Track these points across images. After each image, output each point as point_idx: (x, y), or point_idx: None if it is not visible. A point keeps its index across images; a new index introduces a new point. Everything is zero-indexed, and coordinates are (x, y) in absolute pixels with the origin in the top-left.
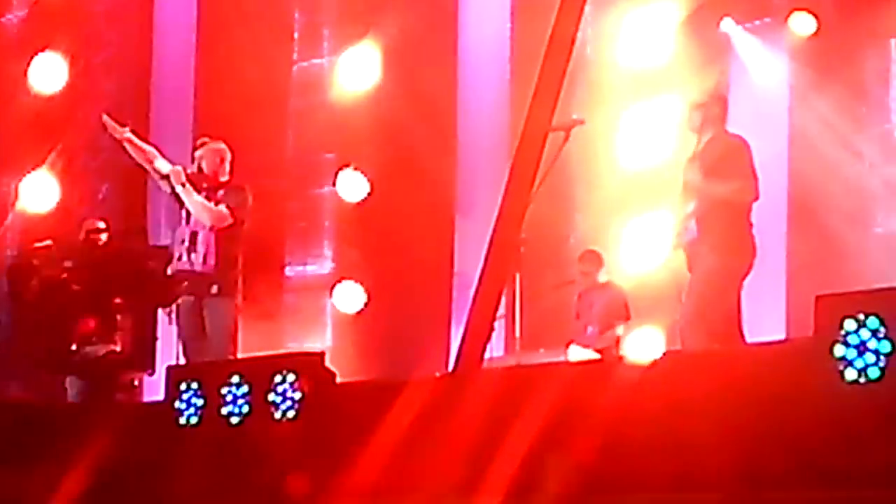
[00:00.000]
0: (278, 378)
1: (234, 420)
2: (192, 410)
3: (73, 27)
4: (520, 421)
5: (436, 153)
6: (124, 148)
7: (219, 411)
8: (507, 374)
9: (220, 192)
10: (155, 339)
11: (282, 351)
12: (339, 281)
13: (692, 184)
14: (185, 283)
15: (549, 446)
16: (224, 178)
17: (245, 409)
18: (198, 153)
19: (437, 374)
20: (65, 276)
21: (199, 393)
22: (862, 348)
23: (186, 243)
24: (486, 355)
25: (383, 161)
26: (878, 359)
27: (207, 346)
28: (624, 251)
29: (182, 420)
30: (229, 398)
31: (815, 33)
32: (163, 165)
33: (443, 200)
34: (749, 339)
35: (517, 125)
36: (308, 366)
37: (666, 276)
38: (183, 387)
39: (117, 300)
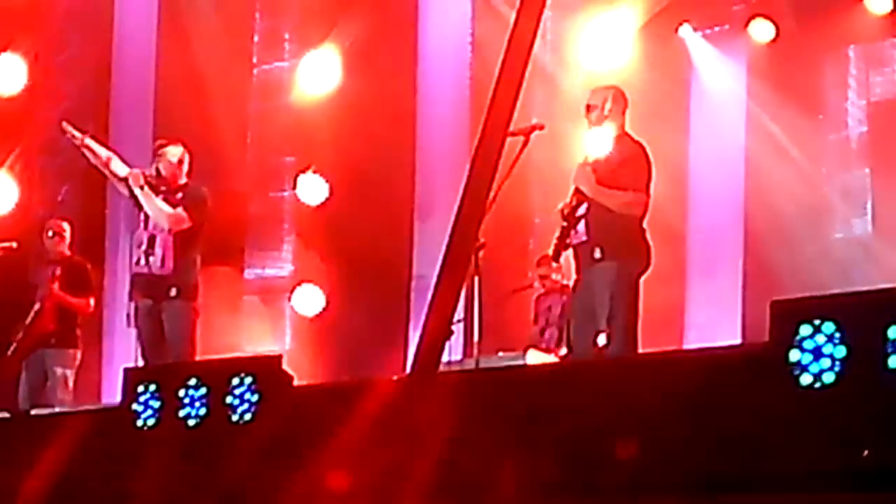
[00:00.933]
0: (236, 381)
1: (192, 422)
2: (149, 413)
3: (34, 28)
4: (477, 424)
5: (395, 157)
6: (83, 154)
7: (176, 414)
8: (465, 378)
9: (179, 195)
10: None
11: (240, 354)
12: (299, 284)
13: (586, 191)
14: (143, 286)
15: (506, 450)
16: (183, 181)
17: (202, 411)
18: (157, 155)
19: (395, 378)
20: None
21: (156, 395)
22: (817, 353)
23: (144, 246)
24: (445, 358)
25: (343, 164)
26: (833, 363)
27: (166, 349)
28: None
29: (139, 423)
30: (187, 401)
31: (774, 40)
32: (120, 169)
33: (402, 204)
34: (705, 344)
35: (477, 129)
36: (266, 368)
37: None
38: (140, 389)
39: None
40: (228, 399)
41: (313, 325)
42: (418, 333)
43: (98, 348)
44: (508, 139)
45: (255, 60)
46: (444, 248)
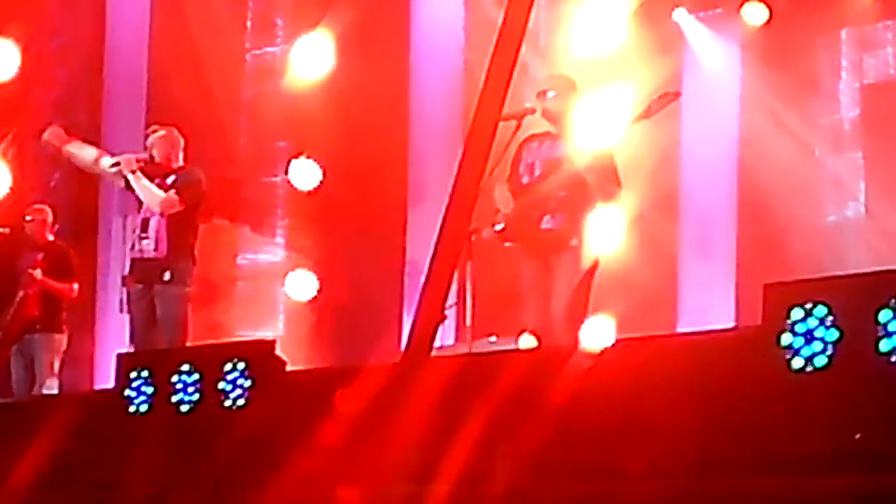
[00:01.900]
0: (229, 366)
1: (185, 408)
2: (142, 398)
3: (26, 14)
4: (471, 409)
5: (388, 142)
6: (69, 161)
7: (169, 399)
8: (458, 362)
9: (171, 179)
10: None
11: (233, 339)
12: (292, 269)
13: (593, 182)
14: (137, 270)
15: (500, 434)
16: (176, 165)
17: (195, 397)
18: (149, 140)
19: (388, 363)
20: None
21: (149, 381)
22: (809, 337)
23: (138, 231)
24: (437, 343)
25: (336, 149)
26: (825, 347)
27: (158, 334)
28: (586, 238)
29: (132, 408)
30: (180, 386)
31: (767, 23)
32: (107, 160)
33: (395, 189)
34: (699, 327)
35: (469, 114)
36: (259, 354)
37: (618, 265)
38: (133, 375)
39: None
40: (221, 385)
41: (306, 310)
42: (411, 318)
43: (91, 334)
44: (500, 123)
45: (247, 45)
46: (436, 232)
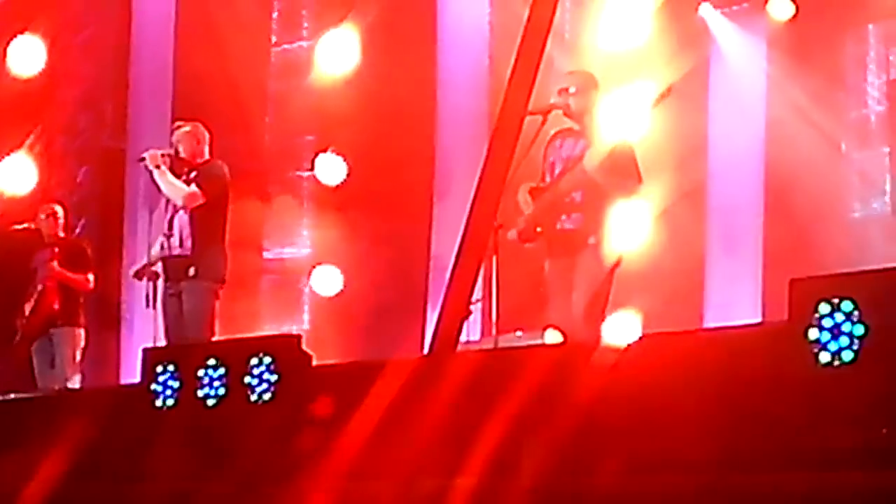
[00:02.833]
0: (255, 361)
1: (211, 402)
2: (168, 393)
3: (52, 9)
4: (496, 403)
5: (414, 137)
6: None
7: (195, 394)
8: (484, 357)
9: (194, 173)
10: None
11: (259, 333)
12: (317, 264)
13: (602, 182)
14: (165, 267)
15: (525, 429)
16: (201, 160)
17: (221, 391)
18: (175, 136)
19: (414, 357)
20: None
21: (175, 375)
22: (836, 331)
23: (165, 228)
24: (463, 338)
25: (362, 144)
26: (851, 342)
27: (184, 330)
28: (605, 236)
29: (158, 402)
30: (206, 381)
31: (793, 18)
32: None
33: (421, 184)
34: (725, 322)
35: (495, 109)
36: (285, 348)
37: (644, 260)
38: (159, 369)
39: None
40: (247, 379)
41: (332, 305)
42: (437, 313)
43: (116, 329)
44: (526, 118)
45: (273, 40)
46: (462, 227)
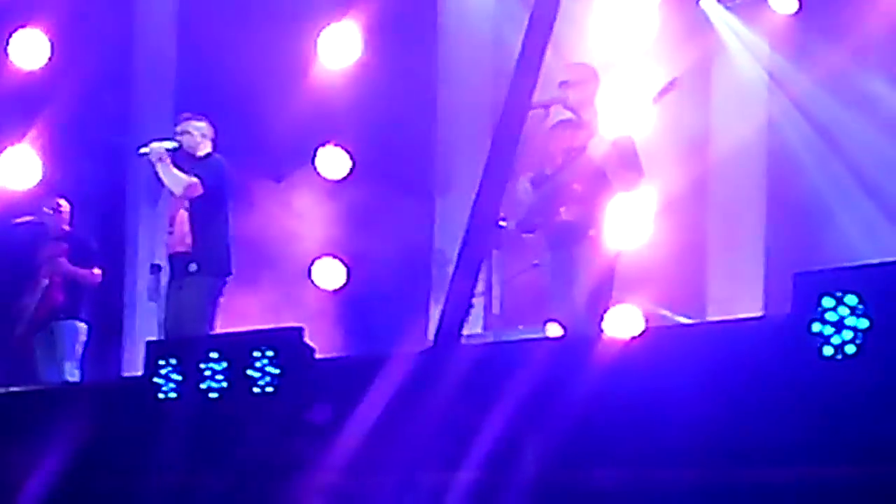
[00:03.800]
0: (257, 354)
1: (213, 395)
2: (171, 386)
3: (55, 3)
4: (498, 396)
5: (416, 131)
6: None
7: (197, 387)
8: (486, 350)
9: (196, 167)
10: None
11: (261, 326)
12: (320, 257)
13: (612, 171)
14: (169, 262)
15: (526, 422)
16: (204, 154)
17: (224, 384)
18: (179, 128)
19: (416, 351)
20: None
21: (177, 369)
22: (839, 325)
23: (168, 225)
24: (465, 332)
25: (364, 139)
26: (855, 335)
27: (181, 325)
28: (606, 228)
29: (161, 395)
30: (208, 374)
31: (797, 12)
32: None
33: (423, 178)
34: (728, 316)
35: (498, 103)
36: (287, 341)
37: (647, 254)
38: (161, 362)
39: None
40: (250, 372)
41: (335, 299)
42: (440, 307)
43: (119, 322)
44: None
45: (277, 33)
46: (465, 222)
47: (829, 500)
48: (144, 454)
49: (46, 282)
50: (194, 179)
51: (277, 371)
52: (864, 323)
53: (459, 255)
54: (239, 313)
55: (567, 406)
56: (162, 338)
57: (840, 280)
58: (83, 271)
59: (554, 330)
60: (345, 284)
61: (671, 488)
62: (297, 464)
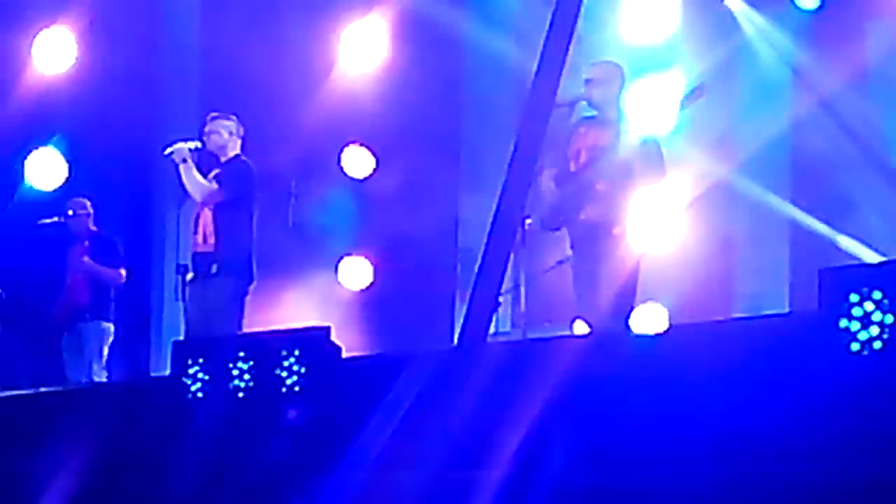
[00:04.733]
0: (284, 353)
1: (241, 395)
2: (198, 386)
3: (81, 3)
4: (525, 394)
5: (441, 129)
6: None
7: (225, 387)
8: (512, 348)
9: (219, 169)
10: None
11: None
12: (346, 256)
13: (636, 170)
14: (193, 263)
15: (553, 419)
16: (232, 154)
17: (251, 384)
18: (207, 128)
19: (443, 349)
20: None
21: (205, 368)
22: (866, 321)
23: (192, 225)
24: (491, 330)
25: (389, 137)
26: (882, 331)
27: (205, 326)
28: (630, 227)
29: (188, 395)
30: (235, 373)
31: (820, 8)
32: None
33: (448, 176)
34: (755, 313)
35: (523, 101)
36: (314, 341)
37: (671, 253)
38: (189, 362)
39: None
40: (277, 371)
41: (361, 298)
42: (465, 306)
43: (146, 322)
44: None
45: (301, 33)
46: (490, 220)
47: (859, 496)
48: (172, 453)
49: (71, 282)
50: (214, 186)
51: (304, 370)
52: (890, 318)
53: (484, 253)
54: (265, 313)
55: (594, 403)
56: (185, 338)
57: (866, 276)
58: (109, 272)
59: (581, 327)
60: (371, 283)
61: (699, 486)
62: (324, 462)
